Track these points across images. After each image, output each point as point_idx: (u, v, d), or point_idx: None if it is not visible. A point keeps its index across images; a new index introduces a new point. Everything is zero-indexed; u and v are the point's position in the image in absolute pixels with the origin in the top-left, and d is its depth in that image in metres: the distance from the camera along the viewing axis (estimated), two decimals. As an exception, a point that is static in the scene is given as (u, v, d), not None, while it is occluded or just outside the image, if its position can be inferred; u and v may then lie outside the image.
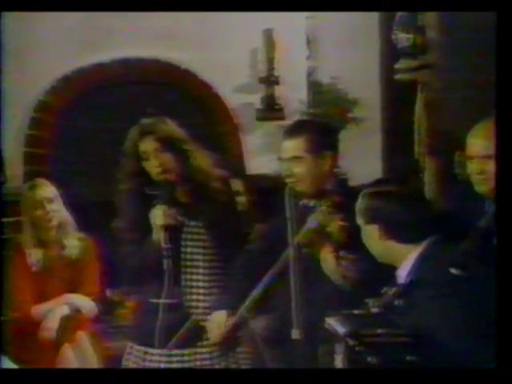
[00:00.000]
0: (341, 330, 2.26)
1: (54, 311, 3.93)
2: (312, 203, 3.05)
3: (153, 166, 3.26)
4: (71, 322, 3.98)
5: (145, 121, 3.35)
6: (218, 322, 3.14)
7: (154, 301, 3.28)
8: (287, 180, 3.12)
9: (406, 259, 2.48)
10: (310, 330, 2.78)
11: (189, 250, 3.28)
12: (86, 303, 4.01)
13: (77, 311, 3.98)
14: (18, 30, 5.22)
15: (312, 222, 2.92)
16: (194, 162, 3.32)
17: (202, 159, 3.35)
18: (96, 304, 4.03)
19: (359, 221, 2.60)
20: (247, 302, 3.06)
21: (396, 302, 2.37)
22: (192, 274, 3.28)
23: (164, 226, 3.21)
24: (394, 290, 2.41)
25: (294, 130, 3.18)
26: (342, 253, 2.82)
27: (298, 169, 3.06)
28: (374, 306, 2.39)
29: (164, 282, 3.25)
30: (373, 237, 2.54)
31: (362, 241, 2.65)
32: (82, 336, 4.03)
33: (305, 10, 5.41)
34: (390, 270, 2.57)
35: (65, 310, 3.95)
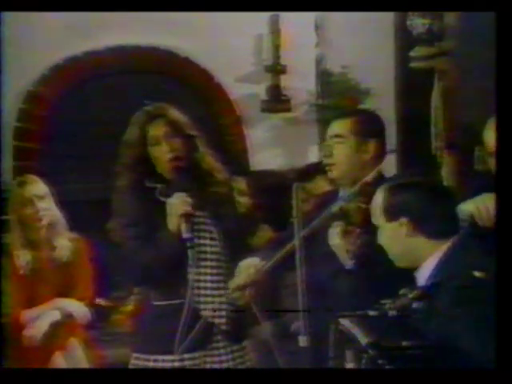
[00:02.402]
0: (362, 339, 2.24)
1: (43, 317, 3.92)
2: (346, 192, 3.09)
3: (164, 152, 3.27)
4: (62, 329, 3.97)
5: (151, 106, 3.36)
6: (246, 265, 3.15)
7: (175, 302, 3.26)
8: (324, 161, 3.17)
9: (430, 258, 2.47)
10: (319, 335, 2.77)
11: (195, 241, 3.27)
12: (78, 308, 4.00)
13: (68, 317, 3.97)
14: (5, 16, 5.21)
15: (336, 206, 2.97)
16: (201, 149, 3.35)
17: (207, 149, 3.38)
18: (89, 309, 4.03)
19: (379, 220, 2.57)
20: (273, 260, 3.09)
21: (415, 306, 2.36)
22: (199, 267, 3.27)
23: (183, 215, 3.20)
24: (414, 292, 2.39)
25: (344, 114, 3.29)
26: (350, 227, 2.87)
27: (339, 149, 3.11)
28: (391, 309, 2.37)
29: (188, 276, 3.23)
30: (396, 235, 2.52)
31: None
32: (74, 343, 4.02)
33: (314, 10, 5.41)
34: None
35: (55, 316, 3.94)
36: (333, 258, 2.97)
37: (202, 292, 3.27)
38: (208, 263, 3.29)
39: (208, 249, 3.29)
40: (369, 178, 3.01)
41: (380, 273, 2.81)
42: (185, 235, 3.19)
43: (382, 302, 2.40)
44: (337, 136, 3.12)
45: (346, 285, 2.97)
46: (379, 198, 2.57)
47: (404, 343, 2.18)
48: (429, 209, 2.50)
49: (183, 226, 3.19)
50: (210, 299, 3.27)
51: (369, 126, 3.15)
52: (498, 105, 2.38)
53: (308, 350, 2.76)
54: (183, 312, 3.19)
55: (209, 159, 3.36)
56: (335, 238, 2.94)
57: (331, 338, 2.47)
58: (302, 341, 2.76)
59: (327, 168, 3.15)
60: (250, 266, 3.15)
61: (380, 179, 3.07)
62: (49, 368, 3.84)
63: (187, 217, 3.20)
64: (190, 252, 3.20)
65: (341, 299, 2.94)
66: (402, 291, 2.42)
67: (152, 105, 3.36)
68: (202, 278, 3.27)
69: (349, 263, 2.92)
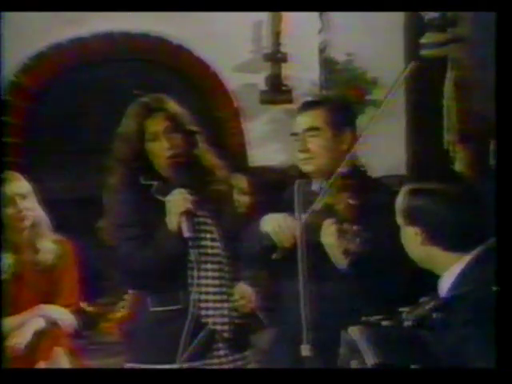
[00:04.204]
0: (368, 359, 2.28)
1: (26, 324, 3.92)
2: (323, 184, 3.11)
3: (163, 149, 3.28)
4: (47, 337, 3.96)
5: (147, 98, 3.36)
6: (284, 226, 3.12)
7: (174, 307, 3.26)
8: (300, 156, 3.18)
9: (450, 269, 2.47)
10: (325, 345, 2.78)
11: (195, 243, 3.28)
12: (63, 315, 3.99)
13: (53, 324, 3.96)
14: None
15: (318, 203, 3.00)
16: (201, 145, 3.37)
17: (207, 145, 3.40)
18: (75, 316, 4.02)
19: (399, 220, 2.60)
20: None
21: (433, 318, 2.36)
22: (200, 270, 3.27)
23: (184, 213, 3.21)
24: (432, 303, 2.41)
25: (312, 104, 3.28)
26: (345, 225, 2.88)
27: (315, 143, 3.14)
28: (407, 319, 2.39)
29: (190, 278, 3.24)
30: (414, 241, 2.54)
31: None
32: (59, 353, 4.01)
33: (319, 10, 5.42)
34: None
35: (39, 324, 3.93)
36: (326, 259, 2.99)
37: (204, 297, 3.27)
38: (209, 266, 3.29)
39: (209, 251, 3.30)
40: (343, 169, 3.03)
41: (380, 275, 2.83)
42: (186, 234, 3.19)
43: (399, 309, 2.43)
44: (311, 129, 3.15)
45: (342, 289, 2.99)
46: (400, 198, 2.59)
47: (413, 366, 2.24)
48: (446, 220, 2.50)
49: (184, 225, 3.19)
50: (211, 305, 3.28)
51: (342, 115, 3.20)
52: (497, 105, 2.47)
53: (312, 359, 2.77)
54: (187, 319, 3.19)
55: (209, 156, 3.38)
56: (329, 236, 2.95)
57: (341, 347, 2.48)
58: (305, 350, 2.77)
59: (301, 162, 3.17)
60: (278, 221, 3.12)
61: (357, 170, 3.12)
62: (49, 368, 3.85)
63: (188, 215, 3.21)
64: (192, 252, 3.22)
65: (340, 305, 2.96)
66: (422, 299, 2.44)
67: (149, 96, 3.36)
68: (203, 281, 3.28)
69: (343, 264, 2.93)
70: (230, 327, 3.29)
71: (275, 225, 3.10)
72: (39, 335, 3.93)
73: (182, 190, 3.23)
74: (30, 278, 4.00)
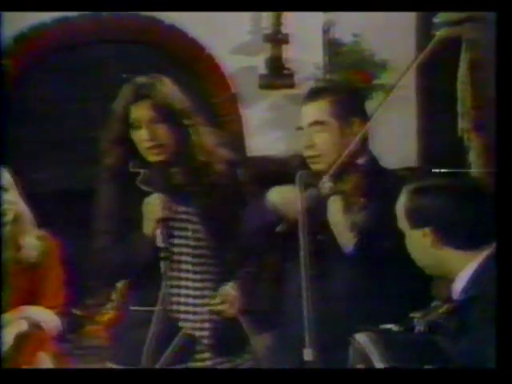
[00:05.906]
0: (378, 363, 2.32)
1: (8, 327, 3.93)
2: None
3: (143, 139, 3.28)
4: (30, 341, 3.97)
5: (141, 80, 3.35)
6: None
7: (144, 308, 3.28)
8: (306, 154, 3.17)
9: (463, 270, 2.47)
10: (328, 349, 2.79)
11: (176, 241, 3.29)
12: (47, 317, 3.99)
13: (36, 327, 3.97)
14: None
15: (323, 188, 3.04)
16: (196, 139, 3.34)
17: (206, 136, 3.38)
18: (60, 319, 4.03)
19: (402, 224, 2.60)
20: None
21: (446, 322, 2.37)
22: (180, 270, 3.29)
23: (161, 221, 3.22)
24: (445, 306, 2.43)
25: (316, 93, 3.26)
26: (352, 199, 2.92)
27: (321, 138, 3.13)
28: (418, 324, 2.41)
29: (160, 286, 3.24)
30: (422, 244, 2.54)
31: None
32: (43, 358, 4.02)
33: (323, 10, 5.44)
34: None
35: (22, 326, 3.94)
36: (333, 246, 2.99)
37: (182, 300, 3.29)
38: (190, 267, 3.31)
39: (190, 250, 3.31)
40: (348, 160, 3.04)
41: (388, 260, 2.84)
42: (160, 244, 3.21)
43: (410, 315, 2.45)
44: (316, 123, 3.13)
45: (347, 288, 3.00)
46: (402, 200, 2.59)
47: (426, 367, 2.27)
48: (456, 217, 2.51)
49: (159, 234, 3.22)
50: (191, 309, 3.29)
51: (348, 104, 3.17)
52: (498, 105, 2.53)
53: (315, 364, 2.77)
54: (152, 322, 3.20)
55: (201, 150, 3.35)
56: (336, 213, 2.96)
57: (350, 353, 2.50)
58: (307, 354, 2.77)
59: (309, 160, 3.16)
60: (285, 192, 3.14)
61: (372, 162, 3.15)
62: (49, 368, 3.87)
63: (165, 222, 3.22)
64: (162, 264, 3.22)
65: (345, 306, 2.98)
66: (434, 303, 2.47)
67: (142, 79, 3.34)
68: (183, 283, 3.30)
69: (350, 244, 2.94)
70: (210, 333, 3.29)
71: (282, 196, 3.11)
72: (22, 339, 3.94)
73: (161, 195, 3.23)
74: (12, 277, 4.01)
